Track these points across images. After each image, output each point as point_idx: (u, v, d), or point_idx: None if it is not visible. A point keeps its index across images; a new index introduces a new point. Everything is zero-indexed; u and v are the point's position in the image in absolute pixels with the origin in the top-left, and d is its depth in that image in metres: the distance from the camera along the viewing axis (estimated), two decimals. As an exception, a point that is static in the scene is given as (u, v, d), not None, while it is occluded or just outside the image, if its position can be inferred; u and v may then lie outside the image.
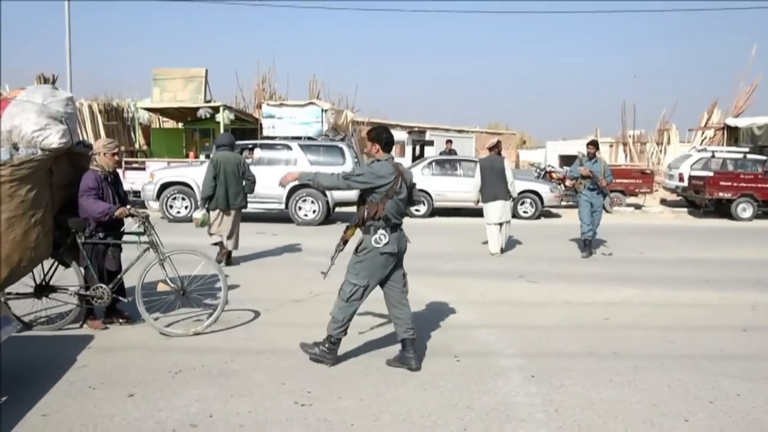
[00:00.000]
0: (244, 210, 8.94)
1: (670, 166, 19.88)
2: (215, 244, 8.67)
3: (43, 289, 5.65)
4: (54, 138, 5.03)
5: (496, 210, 9.81)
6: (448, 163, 16.71)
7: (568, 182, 20.14)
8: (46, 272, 5.69)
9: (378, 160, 4.76)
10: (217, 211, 8.51)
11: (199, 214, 8.27)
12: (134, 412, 3.87)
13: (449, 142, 20.23)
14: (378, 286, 4.81)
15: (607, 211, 10.38)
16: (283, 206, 14.07)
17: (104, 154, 5.65)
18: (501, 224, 9.92)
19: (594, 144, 10.23)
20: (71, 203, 5.50)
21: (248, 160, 11.10)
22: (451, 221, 15.23)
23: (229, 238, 8.55)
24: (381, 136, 4.76)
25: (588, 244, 10.04)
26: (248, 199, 8.98)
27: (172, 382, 4.38)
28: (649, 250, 10.62)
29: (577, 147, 32.44)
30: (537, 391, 4.29)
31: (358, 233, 4.88)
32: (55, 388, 4.22)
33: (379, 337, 5.52)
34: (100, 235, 5.61)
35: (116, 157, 5.80)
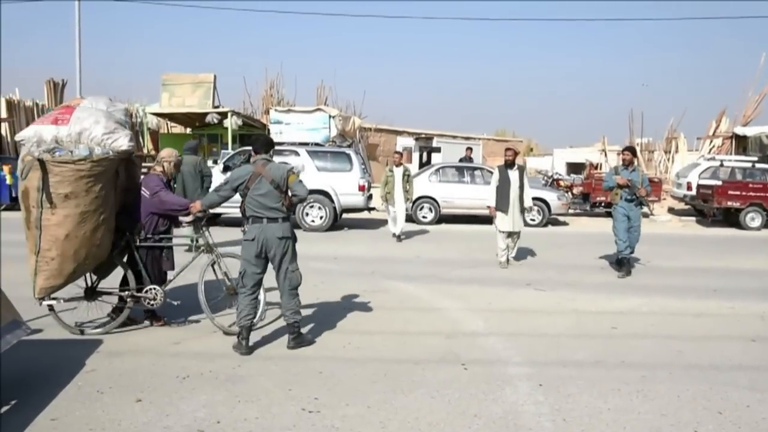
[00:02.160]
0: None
1: (678, 175, 19.79)
2: None
3: (93, 292, 5.75)
4: (123, 141, 5.37)
5: (507, 219, 9.53)
6: (455, 169, 16.72)
7: (575, 190, 20.16)
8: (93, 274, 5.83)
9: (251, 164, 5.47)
10: None
11: None
12: (142, 417, 3.88)
13: (469, 149, 20.19)
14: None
15: (649, 215, 9.63)
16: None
17: (171, 162, 6.09)
18: (511, 234, 9.66)
19: (631, 150, 9.33)
20: (124, 207, 5.72)
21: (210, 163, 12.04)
22: (458, 228, 15.21)
23: None
24: (254, 142, 5.62)
25: (626, 263, 9.12)
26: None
27: (179, 387, 4.39)
28: (657, 259, 10.57)
29: (585, 154, 32.44)
30: (545, 400, 4.28)
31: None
32: (64, 393, 4.24)
33: (387, 345, 5.52)
34: (156, 237, 5.80)
35: (176, 166, 6.27)
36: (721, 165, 18.34)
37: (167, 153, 6.20)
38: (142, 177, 6.02)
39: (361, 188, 14.10)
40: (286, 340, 5.41)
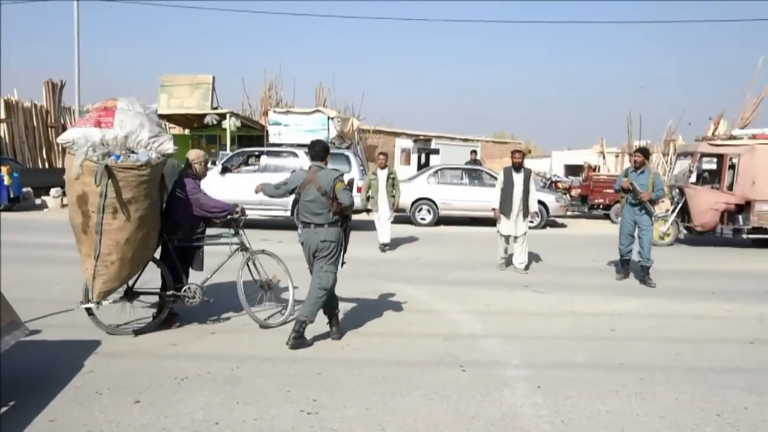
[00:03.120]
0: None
1: (676, 177, 19.80)
2: None
3: (133, 293, 5.79)
4: (169, 144, 5.49)
5: (508, 223, 9.32)
6: (454, 171, 16.73)
7: (573, 192, 20.18)
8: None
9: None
10: None
11: None
12: (140, 419, 3.88)
13: (473, 152, 19.98)
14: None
15: (653, 220, 8.92)
16: (288, 213, 14.09)
17: (201, 163, 6.17)
18: (510, 238, 9.39)
19: (643, 152, 8.84)
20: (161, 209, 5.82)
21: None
22: (456, 230, 15.22)
23: None
24: (311, 149, 5.80)
25: (625, 264, 8.92)
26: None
27: (178, 388, 4.39)
28: (655, 262, 10.56)
29: (583, 157, 32.44)
30: (543, 402, 4.28)
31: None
32: (62, 394, 4.23)
33: (385, 347, 5.52)
34: (193, 238, 5.95)
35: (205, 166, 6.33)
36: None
37: (196, 155, 6.24)
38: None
39: (360, 190, 14.11)
40: (283, 343, 5.42)
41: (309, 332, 5.63)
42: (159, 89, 20.32)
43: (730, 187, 12.66)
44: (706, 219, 12.28)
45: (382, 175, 11.40)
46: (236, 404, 4.13)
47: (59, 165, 22.86)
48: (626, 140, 27.34)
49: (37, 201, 18.73)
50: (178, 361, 4.97)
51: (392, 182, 11.44)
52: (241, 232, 6.11)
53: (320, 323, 6.08)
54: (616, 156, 27.78)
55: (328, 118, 16.18)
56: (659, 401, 4.35)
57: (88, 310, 5.50)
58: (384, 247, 11.39)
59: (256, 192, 5.90)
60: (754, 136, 12.87)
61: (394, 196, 11.43)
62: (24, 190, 18.10)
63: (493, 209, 9.53)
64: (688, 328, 6.39)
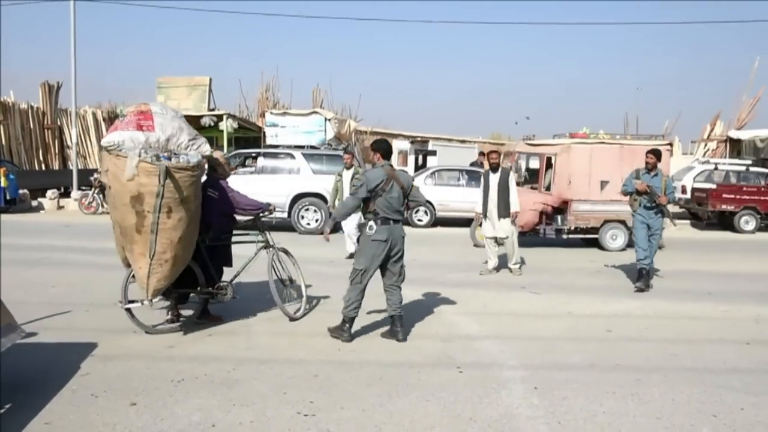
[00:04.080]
0: None
1: (673, 178, 19.84)
2: None
3: (170, 292, 5.86)
4: (206, 146, 5.78)
5: (488, 224, 9.26)
6: (451, 173, 16.75)
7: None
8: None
9: (374, 167, 5.77)
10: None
11: None
12: (137, 421, 3.87)
13: (482, 154, 19.80)
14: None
15: (667, 226, 8.61)
16: (285, 215, 14.09)
17: (225, 164, 6.35)
18: (497, 240, 9.25)
19: (655, 153, 8.41)
20: None
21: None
22: (453, 231, 15.21)
23: None
24: (381, 146, 5.78)
25: (645, 275, 8.38)
26: None
27: (174, 390, 4.38)
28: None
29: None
30: (540, 403, 4.29)
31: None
32: (58, 396, 4.22)
33: (382, 348, 5.52)
34: (223, 236, 6.21)
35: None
36: (716, 168, 18.40)
37: (221, 155, 6.39)
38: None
39: None
40: (280, 345, 5.42)
41: (307, 333, 5.63)
42: (156, 91, 20.32)
43: (549, 188, 12.44)
44: (525, 219, 11.58)
45: (347, 176, 10.11)
46: (233, 406, 4.13)
47: (56, 167, 22.82)
48: (623, 141, 27.35)
49: (34, 203, 18.69)
50: (175, 363, 4.96)
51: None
52: (267, 231, 6.43)
53: (318, 323, 6.09)
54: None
55: (325, 119, 16.18)
56: (656, 402, 4.36)
57: (129, 311, 5.64)
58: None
59: (327, 240, 6.04)
60: (571, 135, 12.58)
61: None
62: (20, 192, 18.06)
63: (476, 213, 9.55)
64: (684, 329, 6.40)
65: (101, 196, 16.41)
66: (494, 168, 9.25)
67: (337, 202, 10.12)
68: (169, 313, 6.02)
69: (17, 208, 17.74)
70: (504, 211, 9.12)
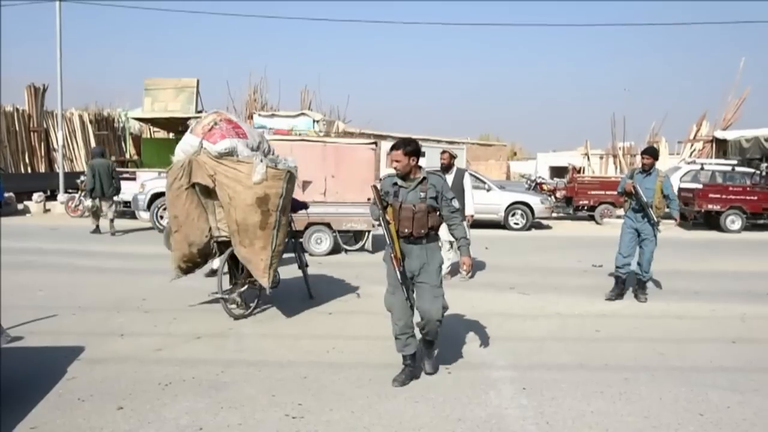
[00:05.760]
0: (115, 198, 13.58)
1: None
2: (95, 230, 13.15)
3: (237, 279, 6.66)
4: (276, 153, 6.46)
5: (443, 228, 8.62)
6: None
7: (558, 194, 20.29)
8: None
9: (431, 173, 5.00)
10: (97, 198, 13.07)
11: (89, 203, 13.66)
12: (124, 425, 3.84)
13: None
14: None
15: (658, 230, 7.88)
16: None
17: None
18: (452, 244, 8.40)
19: (651, 153, 7.82)
20: None
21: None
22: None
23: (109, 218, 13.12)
24: (419, 149, 4.87)
25: (619, 283, 7.85)
26: None
27: (162, 394, 4.35)
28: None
29: (568, 158, 32.64)
30: (528, 404, 4.30)
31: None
32: (44, 401, 4.18)
33: (372, 349, 5.52)
34: None
35: None
36: (702, 168, 18.58)
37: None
38: None
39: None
40: (268, 347, 5.39)
41: (296, 335, 5.60)
42: (143, 92, 20.15)
43: None
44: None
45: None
46: (221, 409, 4.11)
47: (42, 170, 22.61)
48: (611, 142, 27.55)
49: (20, 206, 18.52)
50: (163, 366, 4.93)
51: None
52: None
53: (301, 326, 6.07)
54: (601, 158, 27.97)
55: (314, 120, 16.20)
56: (643, 401, 4.38)
57: (224, 300, 6.34)
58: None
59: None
60: (274, 132, 12.37)
61: None
62: (6, 195, 17.88)
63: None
64: (671, 329, 6.44)
65: (90, 200, 16.28)
66: (445, 169, 8.72)
67: None
68: (243, 300, 6.55)
69: (3, 212, 17.55)
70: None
